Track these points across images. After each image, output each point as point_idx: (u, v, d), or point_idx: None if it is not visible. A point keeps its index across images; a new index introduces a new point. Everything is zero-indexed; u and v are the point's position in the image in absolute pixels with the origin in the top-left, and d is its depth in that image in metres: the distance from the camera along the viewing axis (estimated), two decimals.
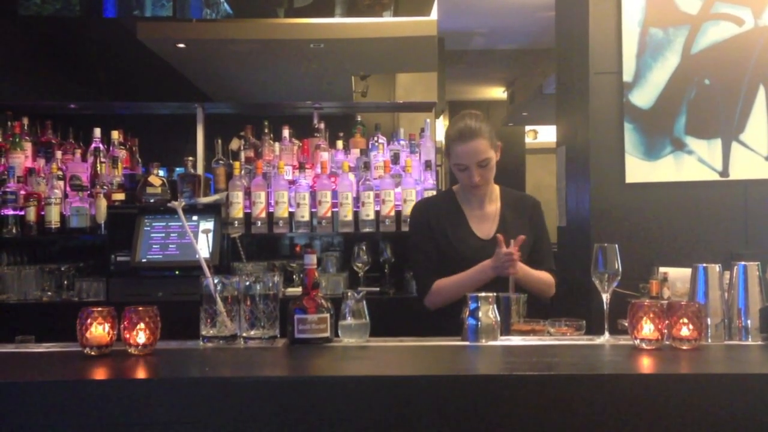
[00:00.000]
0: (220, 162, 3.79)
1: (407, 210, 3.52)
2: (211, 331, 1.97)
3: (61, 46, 5.29)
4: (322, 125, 3.97)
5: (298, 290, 3.31)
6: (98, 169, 3.79)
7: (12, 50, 4.90)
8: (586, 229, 3.42)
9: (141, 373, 1.69)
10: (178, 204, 2.29)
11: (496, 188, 2.67)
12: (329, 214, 3.58)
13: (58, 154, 3.79)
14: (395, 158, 3.66)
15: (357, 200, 3.61)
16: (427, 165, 3.71)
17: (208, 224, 3.45)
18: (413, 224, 2.68)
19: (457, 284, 2.47)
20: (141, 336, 1.81)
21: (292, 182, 3.66)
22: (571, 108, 3.72)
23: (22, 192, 3.61)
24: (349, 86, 5.88)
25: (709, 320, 1.99)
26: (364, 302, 2.04)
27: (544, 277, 2.57)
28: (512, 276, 2.38)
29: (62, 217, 3.62)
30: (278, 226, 3.58)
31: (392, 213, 3.57)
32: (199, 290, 1.99)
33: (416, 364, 1.87)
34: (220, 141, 3.83)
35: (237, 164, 3.65)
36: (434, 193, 3.60)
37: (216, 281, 1.98)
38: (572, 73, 3.69)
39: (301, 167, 3.69)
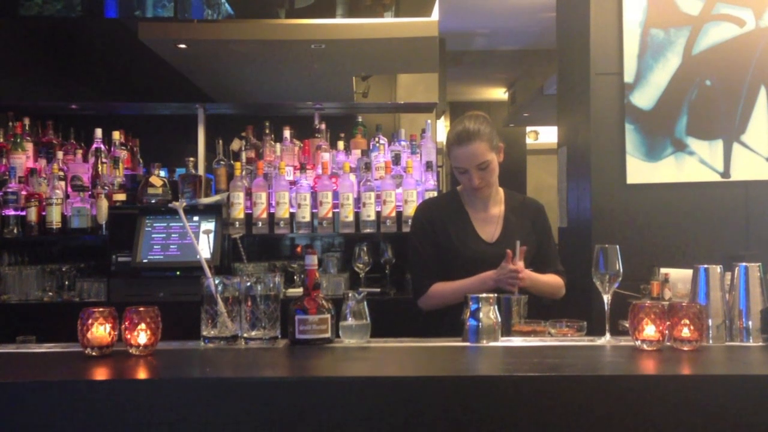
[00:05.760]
0: (221, 162, 3.79)
1: (408, 211, 3.52)
2: (212, 332, 1.97)
3: (62, 46, 5.30)
4: (323, 126, 3.97)
5: (299, 291, 3.31)
6: (99, 169, 3.79)
7: (13, 50, 4.90)
8: (587, 230, 3.42)
9: (142, 374, 1.69)
10: (179, 204, 2.29)
11: (501, 191, 2.65)
12: (330, 215, 3.58)
13: (60, 154, 3.80)
14: (396, 159, 3.66)
15: (358, 201, 3.61)
16: (428, 166, 3.71)
17: (209, 225, 3.45)
18: (416, 224, 2.67)
19: (455, 291, 2.45)
20: (142, 336, 1.81)
21: (293, 183, 3.66)
22: (572, 109, 3.72)
23: (24, 192, 3.62)
24: (350, 87, 5.88)
25: (710, 321, 1.98)
26: (365, 303, 2.04)
27: (552, 280, 2.57)
28: (518, 285, 2.37)
29: (63, 217, 3.62)
30: (279, 226, 3.58)
31: (393, 214, 3.57)
32: (200, 291, 1.99)
33: (417, 365, 1.87)
34: (221, 141, 3.83)
35: (238, 165, 3.65)
36: (435, 194, 3.60)
37: (217, 282, 1.98)
38: (573, 74, 3.69)
39: (302, 168, 3.69)
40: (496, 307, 2.02)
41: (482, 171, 2.49)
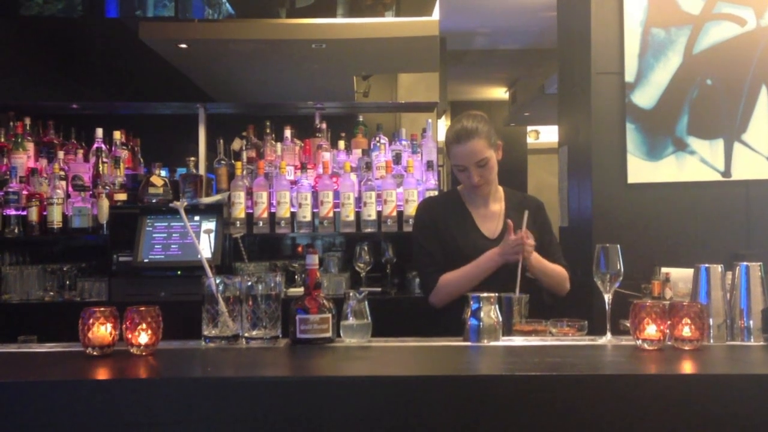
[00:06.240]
0: (222, 162, 3.79)
1: (409, 210, 3.52)
2: (213, 332, 1.97)
3: (63, 46, 5.30)
4: (324, 125, 3.97)
5: (300, 290, 3.31)
6: (100, 169, 3.79)
7: (14, 50, 4.91)
8: (588, 230, 3.42)
9: (143, 373, 1.69)
10: (180, 204, 2.29)
11: (501, 189, 2.68)
12: (331, 215, 3.58)
13: (61, 154, 3.79)
14: (397, 158, 3.66)
15: (359, 200, 3.61)
16: (429, 165, 3.71)
17: (210, 224, 3.45)
18: (418, 222, 2.68)
19: (463, 276, 2.47)
20: (143, 336, 1.81)
21: (293, 182, 3.66)
22: (573, 108, 3.72)
23: (25, 192, 3.62)
24: (351, 86, 5.88)
25: (711, 321, 1.98)
26: (366, 302, 2.04)
27: (559, 269, 2.58)
28: (526, 263, 2.39)
29: (64, 217, 3.62)
30: (280, 226, 3.58)
31: (394, 213, 3.57)
32: (201, 290, 1.99)
33: (418, 365, 1.87)
34: (222, 141, 3.83)
35: (239, 164, 3.65)
36: (436, 193, 3.60)
37: (218, 281, 1.98)
38: (574, 74, 3.69)
39: (303, 167, 3.69)
40: (497, 306, 2.02)
41: (481, 168, 2.51)
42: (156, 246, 3.47)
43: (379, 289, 3.52)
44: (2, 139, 3.80)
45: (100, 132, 3.85)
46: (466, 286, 2.37)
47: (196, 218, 3.50)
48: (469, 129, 2.49)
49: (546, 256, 2.57)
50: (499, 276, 2.43)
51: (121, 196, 3.69)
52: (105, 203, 3.63)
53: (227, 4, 5.36)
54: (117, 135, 3.87)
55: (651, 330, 1.84)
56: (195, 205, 3.45)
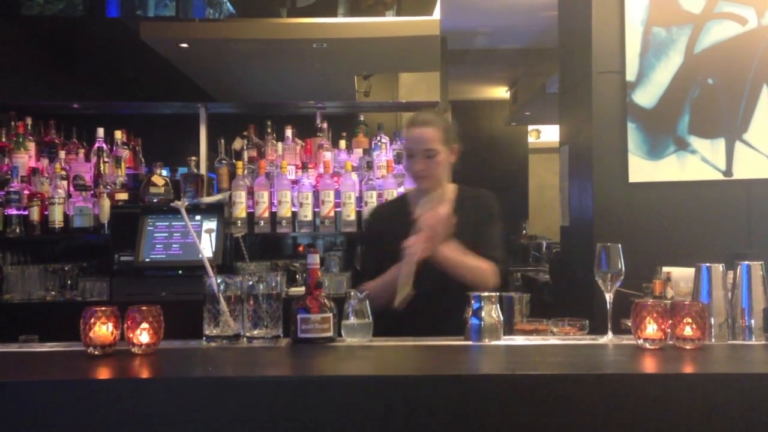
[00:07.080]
0: (223, 162, 3.79)
1: None
2: (214, 331, 1.97)
3: (64, 45, 5.30)
4: (325, 125, 3.97)
5: (301, 290, 3.31)
6: (101, 168, 3.79)
7: (15, 50, 4.91)
8: (589, 229, 3.42)
9: (144, 373, 1.69)
10: (181, 204, 2.29)
11: (451, 188, 2.60)
12: (332, 214, 3.59)
13: (62, 153, 3.80)
14: (398, 158, 3.66)
15: (360, 200, 3.61)
16: None
17: (211, 224, 3.45)
18: (366, 233, 2.67)
19: (374, 287, 2.37)
20: (144, 336, 1.81)
21: (295, 182, 3.67)
22: (574, 107, 3.72)
23: (26, 192, 3.62)
24: (351, 86, 5.88)
25: (712, 320, 1.98)
26: (367, 302, 2.04)
27: (481, 265, 2.43)
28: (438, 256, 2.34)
29: (66, 216, 3.63)
30: (281, 225, 3.58)
31: None
32: (202, 290, 1.99)
33: (419, 364, 1.87)
34: (223, 141, 3.84)
35: (240, 164, 3.65)
36: None
37: (219, 281, 1.98)
38: (575, 73, 3.69)
39: (304, 167, 3.70)
40: (498, 305, 2.02)
41: (427, 159, 2.47)
42: (157, 245, 3.48)
43: None
44: (4, 139, 3.80)
45: (101, 132, 3.86)
46: (382, 291, 2.32)
47: (198, 218, 3.50)
48: (427, 118, 2.52)
49: (477, 246, 2.45)
50: (421, 280, 2.33)
51: (123, 196, 3.69)
52: (106, 203, 3.63)
53: (228, 4, 5.36)
54: (118, 135, 3.87)
55: (652, 329, 1.84)
56: (196, 204, 3.45)
